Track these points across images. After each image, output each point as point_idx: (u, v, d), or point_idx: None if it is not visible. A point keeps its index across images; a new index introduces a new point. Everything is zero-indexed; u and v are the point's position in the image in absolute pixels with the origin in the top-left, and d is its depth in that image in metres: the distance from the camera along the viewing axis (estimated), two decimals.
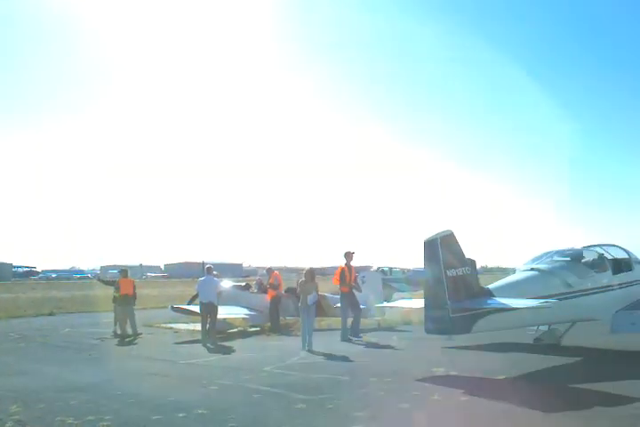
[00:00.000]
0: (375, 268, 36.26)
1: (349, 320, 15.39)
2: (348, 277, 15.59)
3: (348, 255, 15.81)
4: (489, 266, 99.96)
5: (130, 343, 15.54)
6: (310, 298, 13.67)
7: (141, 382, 10.13)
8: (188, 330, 17.99)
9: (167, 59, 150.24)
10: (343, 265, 15.78)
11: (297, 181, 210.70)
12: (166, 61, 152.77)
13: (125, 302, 17.18)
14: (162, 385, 9.80)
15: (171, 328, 18.86)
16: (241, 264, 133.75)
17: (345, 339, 14.84)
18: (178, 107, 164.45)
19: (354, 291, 15.70)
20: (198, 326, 16.05)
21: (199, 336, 15.45)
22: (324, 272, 52.31)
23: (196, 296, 17.34)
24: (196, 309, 15.97)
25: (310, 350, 12.98)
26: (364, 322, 17.59)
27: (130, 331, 16.79)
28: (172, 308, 18.01)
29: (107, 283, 19.52)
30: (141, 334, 16.87)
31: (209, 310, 15.26)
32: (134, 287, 17.69)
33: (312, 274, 14.05)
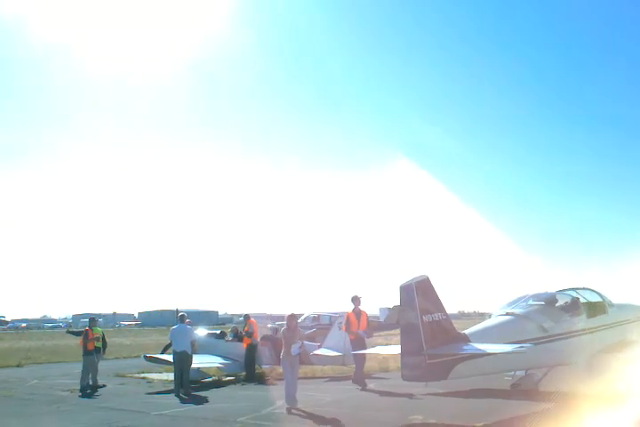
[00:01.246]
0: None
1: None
2: (355, 323, 15.21)
3: (356, 300, 15.46)
4: (466, 311, 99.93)
5: (101, 395, 15.04)
6: (294, 348, 12.25)
7: None
8: (162, 380, 17.52)
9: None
10: (350, 311, 15.46)
11: (275, 224, 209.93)
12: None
13: (92, 352, 16.65)
14: None
15: (144, 378, 18.37)
16: (216, 312, 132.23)
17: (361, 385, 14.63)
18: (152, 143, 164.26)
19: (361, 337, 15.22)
20: (172, 376, 15.65)
21: (172, 386, 15.05)
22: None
23: (169, 345, 16.99)
24: (170, 358, 15.63)
25: (294, 407, 11.61)
26: (341, 369, 17.38)
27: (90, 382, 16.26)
28: (145, 357, 17.62)
29: (76, 333, 18.79)
30: (104, 386, 16.33)
31: (182, 360, 14.93)
32: (101, 338, 17.06)
33: (295, 321, 12.73)
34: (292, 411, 11.35)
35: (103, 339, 17.12)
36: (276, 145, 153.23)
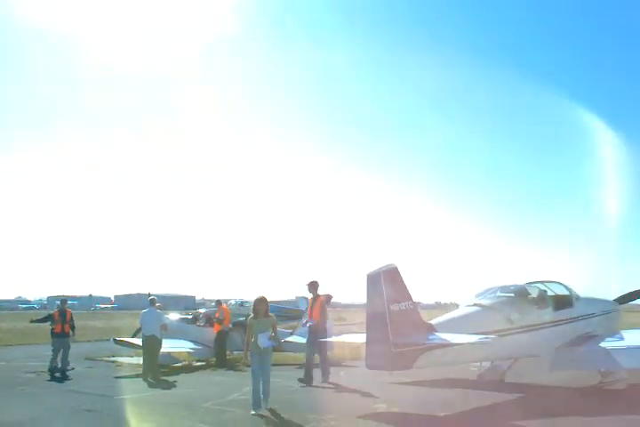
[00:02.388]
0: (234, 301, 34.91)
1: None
2: (310, 310, 14.13)
3: (312, 285, 14.07)
4: (443, 302, 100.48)
5: (68, 377, 14.93)
6: (262, 338, 10.10)
7: (72, 418, 9.73)
8: (131, 364, 17.44)
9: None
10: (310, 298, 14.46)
11: (257, 208, 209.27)
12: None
13: (61, 335, 16.47)
14: (93, 422, 9.44)
15: (113, 362, 18.30)
16: (193, 296, 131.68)
17: (308, 383, 13.21)
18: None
19: (318, 325, 13.78)
20: (142, 360, 15.57)
21: (142, 370, 14.99)
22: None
23: (140, 329, 16.88)
24: (139, 342, 15.53)
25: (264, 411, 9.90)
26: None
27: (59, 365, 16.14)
28: (115, 340, 17.48)
29: (41, 321, 18.19)
30: (73, 368, 16.19)
31: (151, 344, 14.86)
32: (69, 320, 16.80)
33: (266, 305, 10.48)
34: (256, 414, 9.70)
35: (71, 322, 16.90)
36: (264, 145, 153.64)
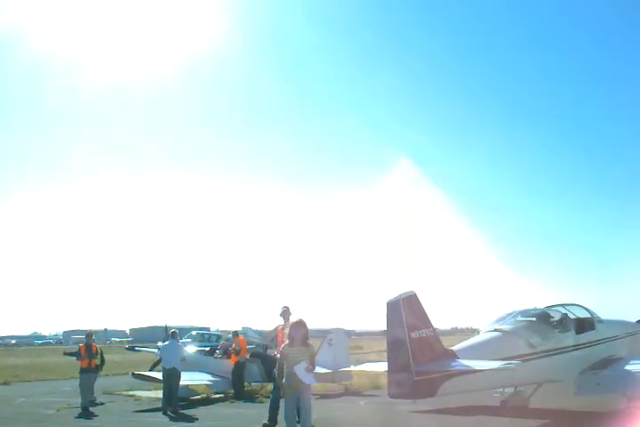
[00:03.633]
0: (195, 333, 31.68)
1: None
2: (280, 341, 11.44)
3: (285, 313, 12.06)
4: (460, 327, 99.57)
5: (87, 413, 14.83)
6: (302, 372, 8.15)
7: None
8: (150, 397, 17.34)
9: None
10: (280, 325, 12.04)
11: (265, 240, 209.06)
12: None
13: (89, 370, 16.08)
14: None
15: (132, 396, 18.19)
16: (208, 328, 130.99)
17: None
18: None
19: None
20: (160, 394, 15.47)
21: (160, 404, 14.89)
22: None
23: (158, 362, 16.83)
24: (158, 375, 15.46)
25: None
26: (332, 387, 17.18)
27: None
28: (133, 374, 17.43)
29: (72, 354, 17.84)
30: (102, 403, 16.00)
31: (172, 377, 14.79)
32: (96, 353, 16.59)
33: (305, 330, 8.43)
34: None
35: (101, 356, 16.77)
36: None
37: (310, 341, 8.53)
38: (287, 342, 8.45)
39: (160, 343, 27.58)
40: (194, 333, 31.20)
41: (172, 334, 15.82)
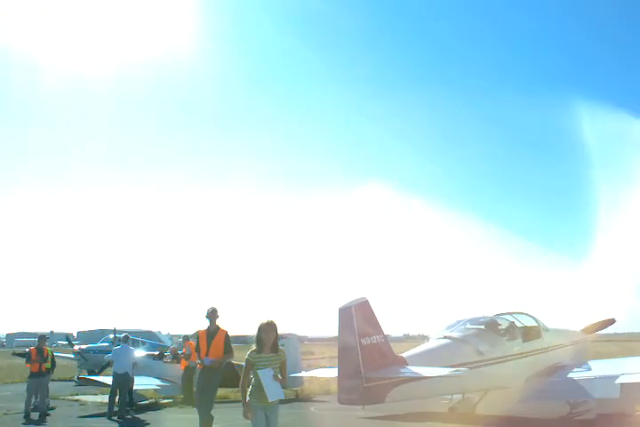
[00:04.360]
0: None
1: None
2: (204, 347, 10.40)
3: (212, 315, 10.62)
4: (411, 334, 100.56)
5: (30, 419, 14.35)
6: (269, 384, 6.60)
7: None
8: (95, 402, 16.97)
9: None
10: (202, 329, 10.74)
11: (218, 237, 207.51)
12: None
13: (37, 374, 15.24)
14: None
15: (77, 400, 17.77)
16: (158, 332, 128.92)
17: None
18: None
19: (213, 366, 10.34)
20: (106, 398, 15.12)
21: (106, 409, 14.55)
22: (245, 340, 50.52)
23: (106, 366, 16.46)
24: (106, 380, 15.13)
25: None
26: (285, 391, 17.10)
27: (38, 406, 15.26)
28: (79, 379, 17.01)
29: (22, 355, 16.85)
30: (54, 408, 15.52)
31: (123, 382, 14.49)
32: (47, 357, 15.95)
33: (275, 334, 6.89)
34: None
35: (52, 359, 16.15)
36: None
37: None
38: (254, 347, 6.84)
39: (77, 347, 27.04)
40: (111, 336, 29.09)
41: (123, 338, 15.50)
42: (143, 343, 27.51)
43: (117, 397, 14.49)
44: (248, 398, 6.69)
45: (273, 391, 6.56)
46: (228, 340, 10.62)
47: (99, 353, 24.58)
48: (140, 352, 19.26)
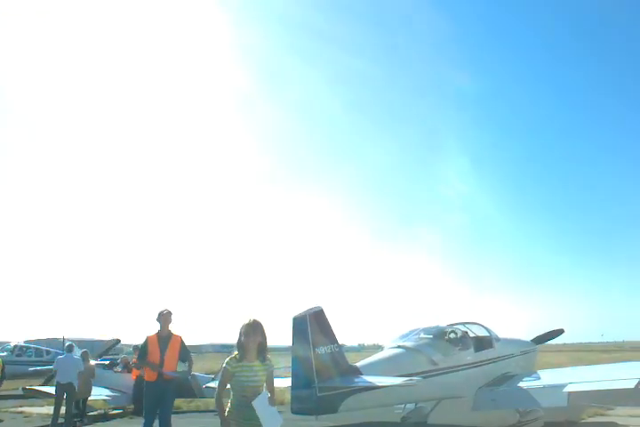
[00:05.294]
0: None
1: None
2: (157, 354, 9.21)
3: (163, 317, 9.45)
4: (366, 344, 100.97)
5: None
6: (260, 405, 5.33)
7: None
8: (40, 414, 16.44)
9: None
10: (152, 334, 9.47)
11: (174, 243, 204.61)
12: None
13: None
14: None
15: (21, 412, 17.17)
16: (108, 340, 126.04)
17: None
18: None
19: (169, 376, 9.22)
20: (52, 410, 14.66)
21: (50, 421, 14.10)
22: (199, 350, 49.83)
23: (52, 376, 15.97)
24: (51, 390, 14.68)
25: None
26: None
27: None
28: (24, 389, 16.47)
29: None
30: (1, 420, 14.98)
31: (67, 392, 14.07)
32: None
33: (262, 338, 5.59)
34: None
35: (2, 370, 15.64)
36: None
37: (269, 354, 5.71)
38: (236, 353, 5.55)
39: None
40: (12, 344, 27.64)
41: (67, 348, 15.09)
42: (48, 353, 26.39)
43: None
44: (228, 416, 5.41)
45: (270, 421, 5.30)
46: (184, 346, 9.59)
47: None
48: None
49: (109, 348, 15.08)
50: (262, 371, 5.53)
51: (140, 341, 10.15)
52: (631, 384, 9.55)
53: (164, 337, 9.36)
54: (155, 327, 9.46)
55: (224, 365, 5.55)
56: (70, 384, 14.08)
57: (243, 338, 5.50)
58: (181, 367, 9.68)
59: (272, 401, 5.47)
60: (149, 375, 9.33)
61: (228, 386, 5.53)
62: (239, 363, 5.47)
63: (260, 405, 5.26)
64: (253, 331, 5.51)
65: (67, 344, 15.42)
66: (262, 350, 5.56)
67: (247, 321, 5.59)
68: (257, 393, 5.39)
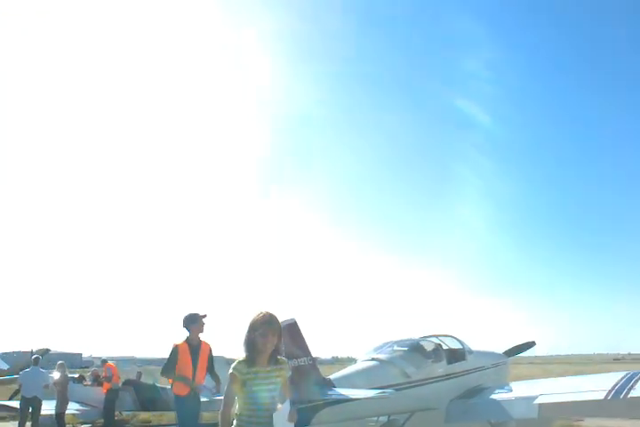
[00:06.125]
0: None
1: None
2: (189, 366, 8.28)
3: (195, 322, 8.50)
4: (340, 356, 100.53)
5: None
6: (280, 420, 4.24)
7: None
8: None
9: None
10: (181, 342, 8.45)
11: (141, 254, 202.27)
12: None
13: None
14: None
15: None
16: (80, 354, 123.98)
17: None
18: None
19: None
20: (17, 425, 14.31)
21: None
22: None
23: (18, 390, 15.63)
24: (16, 404, 14.35)
25: None
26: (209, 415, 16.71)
27: None
28: None
29: None
30: None
31: (32, 406, 13.75)
32: None
33: (278, 338, 4.40)
34: None
35: None
36: None
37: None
38: (245, 356, 4.42)
39: None
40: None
41: (34, 360, 14.78)
42: None
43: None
44: None
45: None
46: (212, 357, 8.66)
47: None
48: (56, 375, 18.45)
49: (37, 358, 14.79)
50: (278, 377, 4.44)
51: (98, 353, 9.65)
52: (600, 396, 9.64)
53: (195, 346, 8.34)
54: (151, 333, 9.10)
55: (231, 371, 4.36)
56: (35, 398, 13.77)
57: (258, 338, 4.34)
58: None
59: (293, 417, 4.32)
60: (180, 389, 8.41)
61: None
62: (250, 369, 4.34)
63: (279, 420, 4.25)
64: (270, 329, 4.35)
65: (33, 357, 15.10)
66: (277, 352, 4.46)
67: (261, 316, 4.40)
68: (272, 406, 4.34)
